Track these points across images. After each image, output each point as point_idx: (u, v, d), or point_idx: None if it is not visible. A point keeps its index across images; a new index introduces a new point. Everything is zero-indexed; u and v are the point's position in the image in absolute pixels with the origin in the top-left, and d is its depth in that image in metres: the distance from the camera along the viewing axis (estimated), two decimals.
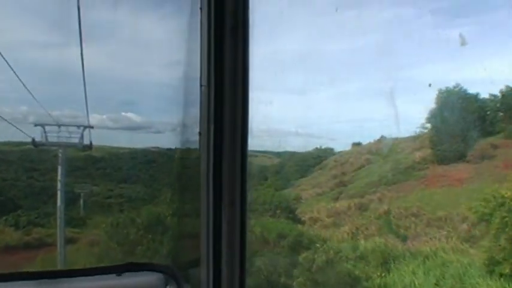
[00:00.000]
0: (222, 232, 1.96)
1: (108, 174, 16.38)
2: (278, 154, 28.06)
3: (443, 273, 10.47)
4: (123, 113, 16.83)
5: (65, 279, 2.11)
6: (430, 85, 16.29)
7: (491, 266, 10.14)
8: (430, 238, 13.93)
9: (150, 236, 12.46)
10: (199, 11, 1.91)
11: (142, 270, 2.24)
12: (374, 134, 22.60)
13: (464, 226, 13.98)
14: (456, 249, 12.55)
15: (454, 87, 19.21)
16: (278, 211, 14.86)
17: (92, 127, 14.16)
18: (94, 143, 14.41)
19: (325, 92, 20.56)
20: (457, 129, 19.10)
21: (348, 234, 15.39)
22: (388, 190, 19.01)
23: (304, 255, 11.49)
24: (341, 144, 26.18)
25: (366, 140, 25.14)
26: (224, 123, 1.89)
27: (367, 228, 15.83)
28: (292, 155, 27.23)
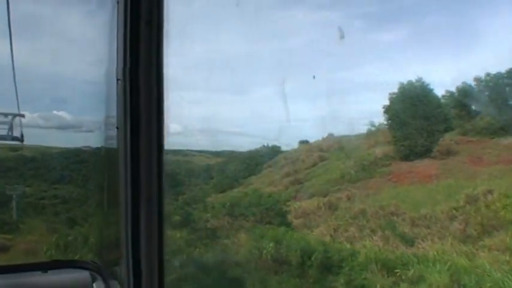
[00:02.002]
0: (141, 226, 1.78)
1: (41, 174, 14.01)
2: (216, 153, 25.79)
3: (475, 284, 8.32)
4: (55, 112, 15.39)
5: None
6: (314, 77, 15.14)
7: None
8: (422, 239, 11.84)
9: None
10: (116, 4, 1.82)
11: (68, 267, 2.19)
12: (311, 133, 21.69)
13: (456, 225, 12.16)
14: (460, 251, 10.55)
15: (404, 86, 18.11)
16: (268, 217, 11.73)
17: (22, 115, 10.99)
18: (25, 142, 11.85)
19: (261, 92, 19.66)
20: (415, 126, 17.83)
21: (329, 236, 12.81)
22: (354, 188, 16.88)
23: None
24: (279, 143, 24.43)
25: (303, 139, 23.78)
26: (140, 117, 1.74)
27: (346, 230, 13.38)
28: (233, 153, 25.00)
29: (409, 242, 11.31)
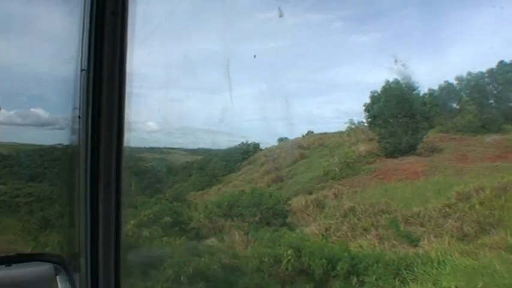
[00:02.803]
0: (99, 212, 1.75)
1: (16, 172, 13.00)
2: (193, 151, 24.67)
3: None
4: (32, 109, 14.78)
5: None
6: (254, 56, 14.63)
7: None
8: (417, 238, 11.06)
9: None
10: None
11: (32, 260, 2.13)
12: (287, 131, 21.10)
13: (452, 223, 11.47)
14: (462, 251, 9.82)
15: (390, 84, 17.56)
16: (269, 217, 10.34)
17: None
18: (2, 140, 11.69)
19: (238, 91, 18.74)
20: (399, 124, 17.26)
21: (321, 235, 11.79)
22: (339, 185, 16.04)
23: None
24: (257, 141, 23.74)
25: (281, 136, 23.11)
26: (102, 106, 1.74)
27: (338, 229, 12.45)
28: (209, 151, 23.94)
29: (414, 241, 10.37)
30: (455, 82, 17.59)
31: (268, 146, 23.07)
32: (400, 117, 16.85)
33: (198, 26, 15.88)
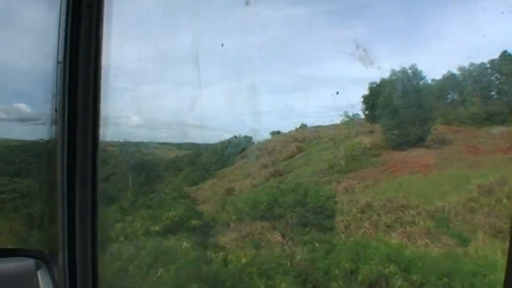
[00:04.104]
0: (76, 205, 1.72)
1: (1, 168, 12.72)
2: (179, 146, 23.27)
3: None
4: (16, 104, 14.36)
5: None
6: (222, 45, 14.26)
7: None
8: (452, 236, 10.03)
9: None
10: None
11: (13, 255, 2.07)
12: (273, 126, 21.19)
13: (481, 217, 10.56)
14: (503, 249, 8.93)
15: (397, 73, 16.62)
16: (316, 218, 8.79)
17: None
18: None
19: (222, 86, 18.19)
20: (405, 115, 16.35)
21: (342, 233, 10.58)
22: (348, 178, 14.95)
23: None
24: (250, 134, 22.62)
25: (273, 130, 22.11)
26: (77, 99, 1.71)
27: (359, 226, 11.31)
28: (196, 145, 22.56)
29: (442, 239, 9.34)
30: (457, 73, 16.80)
31: (261, 140, 21.90)
32: (407, 107, 15.93)
33: (181, 21, 15.06)
